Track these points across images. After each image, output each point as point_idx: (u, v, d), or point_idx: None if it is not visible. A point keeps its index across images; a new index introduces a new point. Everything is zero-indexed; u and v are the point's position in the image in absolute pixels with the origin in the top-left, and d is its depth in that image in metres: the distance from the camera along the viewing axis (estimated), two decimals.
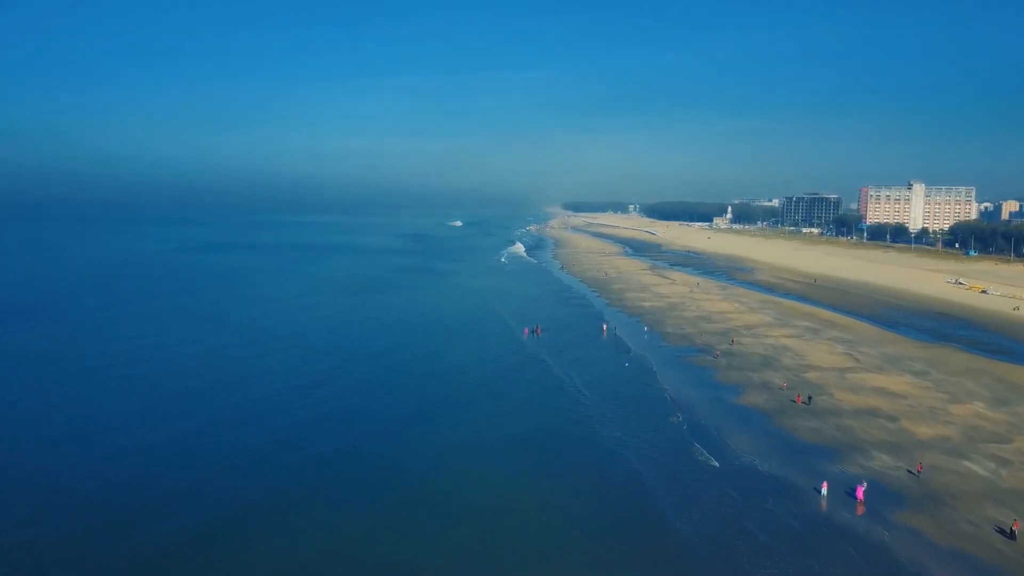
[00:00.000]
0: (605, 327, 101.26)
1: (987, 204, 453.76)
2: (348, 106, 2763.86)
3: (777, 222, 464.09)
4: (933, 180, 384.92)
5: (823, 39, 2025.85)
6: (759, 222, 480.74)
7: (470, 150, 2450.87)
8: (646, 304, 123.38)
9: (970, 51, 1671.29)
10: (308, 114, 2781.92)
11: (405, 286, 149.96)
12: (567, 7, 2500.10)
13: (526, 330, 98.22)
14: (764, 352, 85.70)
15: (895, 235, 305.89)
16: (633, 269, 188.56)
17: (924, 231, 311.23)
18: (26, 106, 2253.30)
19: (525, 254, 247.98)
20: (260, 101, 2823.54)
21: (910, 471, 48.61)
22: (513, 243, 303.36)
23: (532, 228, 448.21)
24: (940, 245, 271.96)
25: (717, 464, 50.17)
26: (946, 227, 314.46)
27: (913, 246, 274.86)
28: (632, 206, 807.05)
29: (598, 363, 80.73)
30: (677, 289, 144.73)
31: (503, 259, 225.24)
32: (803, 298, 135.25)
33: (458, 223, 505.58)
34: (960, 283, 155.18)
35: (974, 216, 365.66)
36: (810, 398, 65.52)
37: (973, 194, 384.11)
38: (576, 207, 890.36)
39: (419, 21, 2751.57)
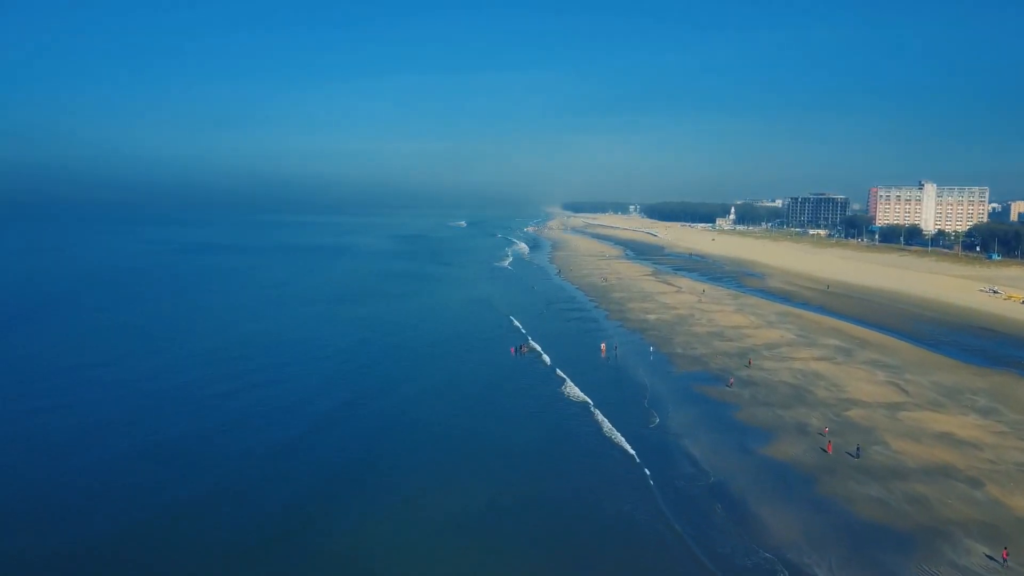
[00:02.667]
0: (604, 346, 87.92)
1: (995, 205, 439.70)
2: (348, 106, 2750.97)
3: (782, 223, 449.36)
4: (937, 180, 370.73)
5: (823, 39, 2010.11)
6: (763, 223, 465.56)
7: (470, 150, 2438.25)
8: (650, 317, 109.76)
9: (971, 51, 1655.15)
10: (308, 114, 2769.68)
11: (401, 295, 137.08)
12: (567, 7, 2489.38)
13: (512, 349, 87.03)
14: (792, 380, 72.13)
15: (909, 237, 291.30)
16: (634, 274, 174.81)
17: (940, 233, 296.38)
18: (26, 106, 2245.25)
19: (527, 257, 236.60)
20: (260, 101, 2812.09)
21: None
22: (514, 244, 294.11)
23: (530, 229, 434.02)
24: (959, 248, 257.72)
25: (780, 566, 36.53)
26: (959, 228, 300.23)
27: (930, 249, 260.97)
28: (633, 206, 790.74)
29: (596, 396, 67.08)
30: (683, 298, 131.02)
31: (506, 263, 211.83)
32: (824, 309, 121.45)
33: (462, 223, 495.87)
34: (995, 292, 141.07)
35: (986, 217, 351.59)
36: (859, 449, 52.07)
37: (987, 195, 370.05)
38: (576, 207, 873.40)
39: (419, 21, 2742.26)
